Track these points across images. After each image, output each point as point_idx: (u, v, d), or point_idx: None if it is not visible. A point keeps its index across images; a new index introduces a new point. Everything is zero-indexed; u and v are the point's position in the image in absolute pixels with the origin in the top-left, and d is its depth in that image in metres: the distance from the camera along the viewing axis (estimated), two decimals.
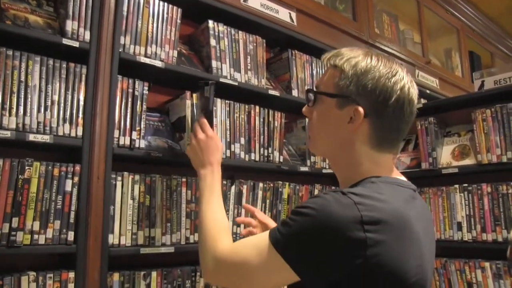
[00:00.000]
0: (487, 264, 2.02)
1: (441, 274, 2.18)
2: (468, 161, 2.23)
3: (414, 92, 0.99)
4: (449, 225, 2.20)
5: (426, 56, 3.64)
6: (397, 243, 0.85)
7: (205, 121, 1.50)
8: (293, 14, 2.43)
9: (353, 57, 0.99)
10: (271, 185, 2.10)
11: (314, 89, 1.08)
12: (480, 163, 2.15)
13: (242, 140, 2.01)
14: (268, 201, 2.08)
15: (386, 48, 3.11)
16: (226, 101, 1.99)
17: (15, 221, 1.37)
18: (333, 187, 2.18)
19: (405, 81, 0.97)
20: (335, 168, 1.09)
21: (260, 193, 2.05)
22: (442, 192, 2.24)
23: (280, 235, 0.90)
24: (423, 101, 3.47)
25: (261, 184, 2.05)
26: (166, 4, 1.84)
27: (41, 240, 1.43)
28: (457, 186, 2.19)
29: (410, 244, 0.88)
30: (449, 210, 2.21)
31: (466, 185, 2.16)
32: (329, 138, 1.04)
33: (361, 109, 0.96)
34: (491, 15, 4.55)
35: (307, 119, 1.15)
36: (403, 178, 1.03)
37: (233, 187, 1.95)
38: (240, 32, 2.11)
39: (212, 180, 1.40)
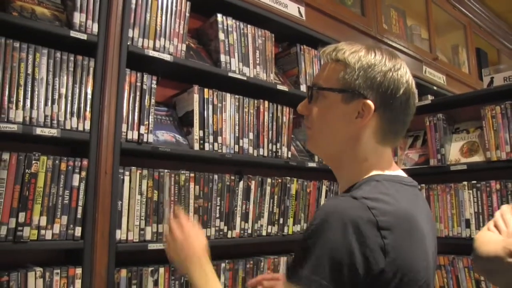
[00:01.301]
0: None
1: (449, 271, 2.16)
2: (477, 158, 2.21)
3: (414, 84, 0.99)
4: (457, 222, 2.17)
5: (433, 53, 3.61)
6: (409, 246, 0.84)
7: (179, 213, 1.22)
8: (302, 9, 2.40)
9: (356, 51, 0.97)
10: (279, 180, 2.07)
11: (312, 86, 1.02)
12: (489, 160, 2.12)
13: (251, 135, 1.99)
14: (276, 196, 2.06)
15: (393, 44, 3.09)
16: (236, 96, 1.96)
17: (21, 216, 1.36)
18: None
19: (409, 74, 0.97)
20: (337, 167, 1.04)
21: (268, 188, 2.03)
22: (450, 189, 2.22)
23: (302, 267, 0.80)
24: (430, 97, 3.45)
25: (269, 180, 2.03)
26: None
27: (48, 236, 1.41)
28: (465, 183, 2.16)
29: (419, 245, 0.87)
30: (457, 207, 2.18)
31: (474, 182, 2.14)
32: (334, 135, 1.00)
33: (370, 103, 0.93)
34: (498, 12, 4.52)
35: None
36: (402, 173, 1.02)
37: (241, 183, 1.93)
38: (249, 26, 2.09)
39: (203, 270, 1.15)
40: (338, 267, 0.78)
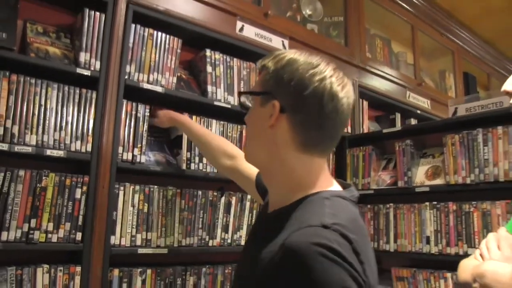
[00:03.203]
0: (449, 275, 2.24)
1: (410, 283, 2.41)
2: (439, 181, 2.45)
3: (338, 88, 0.91)
4: (419, 239, 2.42)
5: (418, 78, 3.84)
6: (370, 264, 0.84)
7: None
8: (286, 42, 2.68)
9: (280, 54, 0.96)
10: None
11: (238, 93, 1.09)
12: (448, 183, 2.37)
13: None
14: (254, 211, 2.32)
15: (376, 71, 3.33)
16: (221, 122, 2.24)
17: (33, 222, 1.64)
18: None
19: (326, 75, 0.90)
20: (268, 180, 1.01)
21: (247, 204, 2.30)
22: (414, 208, 2.46)
23: None
24: (413, 121, 3.70)
25: (248, 196, 2.30)
26: (167, 36, 2.10)
27: (54, 239, 1.69)
28: (427, 203, 2.41)
29: (372, 259, 0.89)
30: (420, 225, 2.43)
31: (435, 202, 2.38)
32: (256, 142, 0.99)
33: (276, 103, 0.91)
34: (487, 38, 4.73)
35: None
36: (339, 187, 0.98)
37: (222, 198, 2.20)
38: (235, 59, 2.36)
39: None
40: None
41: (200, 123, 2.15)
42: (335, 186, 0.97)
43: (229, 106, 2.26)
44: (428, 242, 2.38)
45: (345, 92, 0.92)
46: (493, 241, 1.09)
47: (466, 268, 1.07)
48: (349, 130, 2.98)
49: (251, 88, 1.02)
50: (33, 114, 1.70)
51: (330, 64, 0.94)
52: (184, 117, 1.97)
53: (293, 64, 0.92)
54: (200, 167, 2.13)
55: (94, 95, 1.85)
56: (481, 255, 1.09)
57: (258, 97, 0.97)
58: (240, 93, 1.13)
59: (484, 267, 0.97)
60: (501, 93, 1.35)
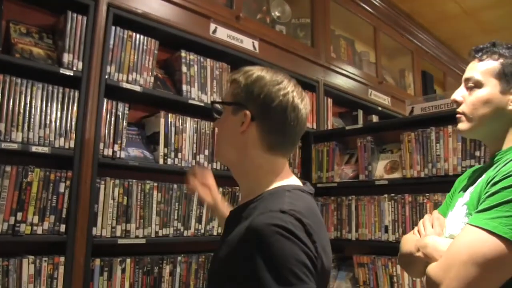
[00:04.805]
0: None
1: (370, 268, 2.62)
2: (396, 175, 2.66)
3: (298, 100, 1.08)
4: (379, 228, 2.62)
5: (379, 77, 4.06)
6: (323, 244, 0.99)
7: None
8: (256, 43, 2.82)
9: (249, 70, 1.10)
10: (229, 189, 2.49)
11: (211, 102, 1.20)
12: (404, 177, 2.58)
13: (206, 152, 2.40)
14: (226, 203, 2.46)
15: (340, 70, 3.52)
16: (195, 119, 2.37)
17: (19, 215, 1.74)
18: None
19: (289, 90, 1.07)
20: (239, 177, 1.15)
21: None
22: (374, 200, 2.67)
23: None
24: (374, 117, 3.92)
25: (221, 189, 2.44)
26: (145, 37, 2.21)
27: (39, 231, 1.79)
28: (386, 195, 2.62)
29: (327, 240, 1.05)
30: (379, 215, 2.63)
31: (393, 195, 2.59)
32: (228, 144, 1.12)
33: (248, 113, 1.06)
34: (443, 40, 5.02)
35: None
36: (298, 181, 1.13)
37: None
38: (208, 59, 2.50)
39: None
40: (298, 275, 0.88)
41: (175, 120, 2.28)
42: (295, 181, 1.13)
43: (203, 104, 2.39)
44: (386, 231, 2.59)
45: (304, 104, 1.11)
46: (428, 221, 1.28)
47: (409, 241, 1.25)
48: (314, 126, 3.17)
49: (222, 96, 1.15)
50: (19, 112, 1.78)
51: (292, 81, 1.11)
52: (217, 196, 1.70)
53: (261, 80, 1.07)
54: (176, 162, 2.25)
55: (76, 94, 1.94)
56: (418, 231, 1.27)
57: (230, 107, 1.11)
58: (213, 102, 1.28)
59: (427, 240, 1.17)
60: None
